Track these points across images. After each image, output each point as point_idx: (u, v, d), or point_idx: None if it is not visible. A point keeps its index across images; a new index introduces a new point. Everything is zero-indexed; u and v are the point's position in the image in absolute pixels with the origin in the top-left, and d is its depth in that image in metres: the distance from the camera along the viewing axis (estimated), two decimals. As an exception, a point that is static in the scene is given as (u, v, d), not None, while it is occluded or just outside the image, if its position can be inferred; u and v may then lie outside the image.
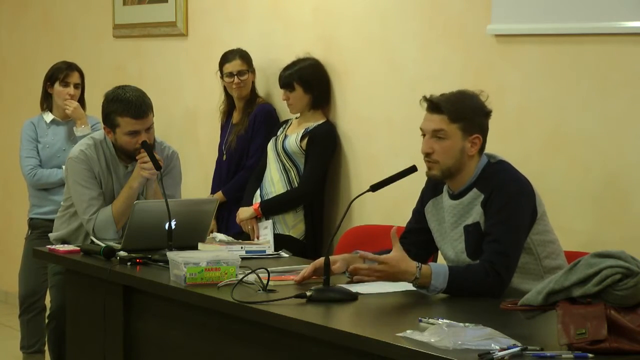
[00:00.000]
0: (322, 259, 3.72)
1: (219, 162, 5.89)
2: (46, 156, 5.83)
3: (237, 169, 5.76)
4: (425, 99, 3.80)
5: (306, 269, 3.84)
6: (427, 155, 3.78)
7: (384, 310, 3.51)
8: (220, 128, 5.96)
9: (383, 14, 5.31)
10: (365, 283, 3.72)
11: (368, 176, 5.26)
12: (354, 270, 3.70)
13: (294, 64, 5.52)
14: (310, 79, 5.47)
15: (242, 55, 5.78)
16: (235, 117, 5.84)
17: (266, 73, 5.88)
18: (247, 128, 5.71)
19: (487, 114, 3.84)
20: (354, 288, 3.64)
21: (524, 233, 3.73)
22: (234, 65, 5.76)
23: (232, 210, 5.61)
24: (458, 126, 3.75)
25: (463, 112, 3.76)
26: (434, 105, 3.77)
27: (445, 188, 3.90)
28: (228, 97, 5.90)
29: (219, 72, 5.83)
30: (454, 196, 3.84)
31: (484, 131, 3.82)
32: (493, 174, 3.79)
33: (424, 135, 3.81)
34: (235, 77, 5.75)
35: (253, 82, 5.81)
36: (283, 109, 5.70)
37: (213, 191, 5.85)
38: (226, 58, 5.81)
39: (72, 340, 4.57)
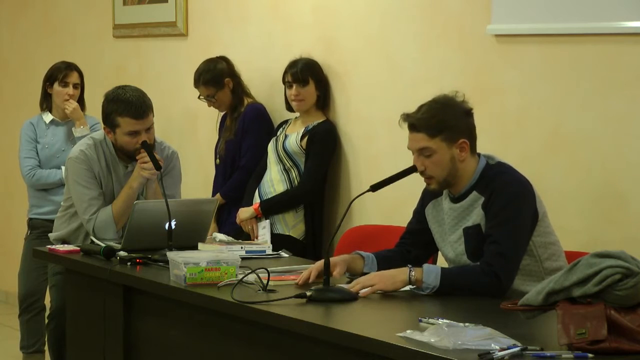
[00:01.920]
0: (322, 262, 3.71)
1: (215, 165, 5.88)
2: (45, 157, 5.82)
3: (232, 171, 5.74)
4: (403, 118, 3.81)
5: (307, 272, 3.81)
6: (421, 173, 3.80)
7: (384, 310, 3.51)
8: (217, 126, 5.94)
9: (383, 14, 5.31)
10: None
11: (368, 176, 5.25)
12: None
13: (298, 61, 5.49)
14: (321, 75, 5.47)
15: (205, 82, 5.70)
16: (228, 119, 5.83)
17: (266, 73, 5.88)
18: (237, 131, 5.68)
19: (467, 113, 3.80)
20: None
21: (525, 235, 3.72)
22: (200, 91, 5.75)
23: (232, 211, 5.60)
24: (440, 139, 3.74)
25: (440, 124, 3.74)
26: (411, 125, 3.78)
27: (445, 191, 3.89)
28: None
29: None
30: (455, 199, 3.84)
31: (469, 132, 3.79)
32: (493, 176, 3.78)
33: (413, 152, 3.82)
34: (205, 101, 5.75)
35: (235, 87, 5.73)
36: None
37: (213, 194, 5.84)
38: (194, 80, 5.76)
39: (72, 340, 4.57)
